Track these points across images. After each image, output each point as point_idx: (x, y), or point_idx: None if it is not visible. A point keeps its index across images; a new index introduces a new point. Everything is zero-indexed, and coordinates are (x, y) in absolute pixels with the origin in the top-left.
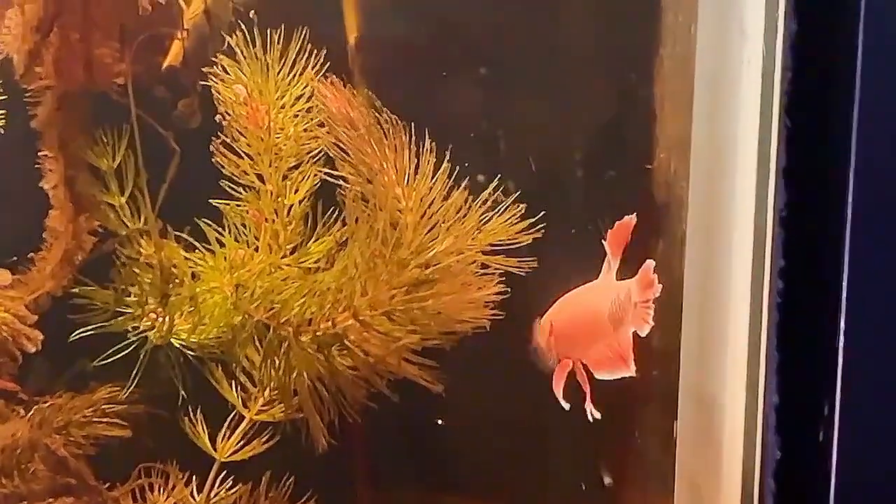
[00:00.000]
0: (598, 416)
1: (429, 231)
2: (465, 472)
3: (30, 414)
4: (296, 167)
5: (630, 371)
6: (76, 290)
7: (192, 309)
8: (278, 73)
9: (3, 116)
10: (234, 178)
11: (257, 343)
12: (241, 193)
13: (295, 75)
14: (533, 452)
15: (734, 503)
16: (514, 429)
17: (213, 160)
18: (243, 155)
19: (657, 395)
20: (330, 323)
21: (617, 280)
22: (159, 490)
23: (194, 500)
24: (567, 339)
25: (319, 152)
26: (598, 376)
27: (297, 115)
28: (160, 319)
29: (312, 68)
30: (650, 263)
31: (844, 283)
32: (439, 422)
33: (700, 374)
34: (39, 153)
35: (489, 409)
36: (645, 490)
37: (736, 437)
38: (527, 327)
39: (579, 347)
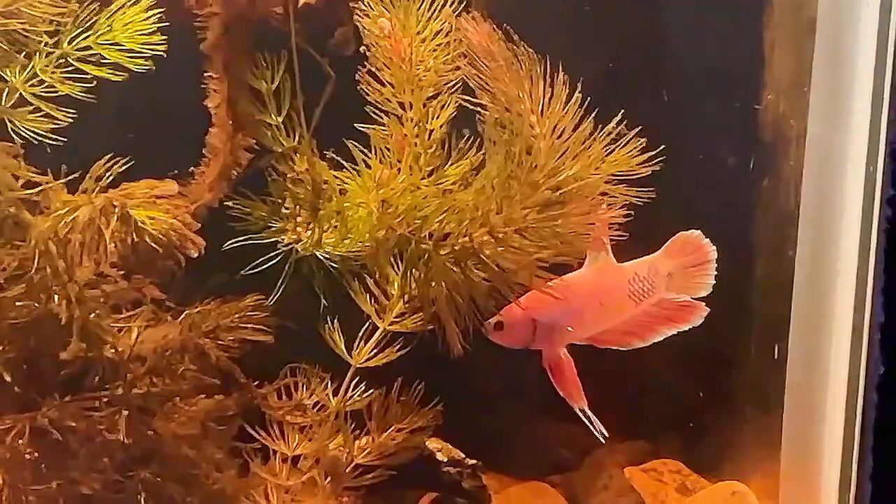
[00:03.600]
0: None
1: (559, 157)
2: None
3: (180, 318)
4: (434, 96)
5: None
6: (234, 202)
7: (337, 224)
8: (419, 8)
9: (165, 41)
10: (379, 104)
11: (396, 258)
12: (385, 119)
13: (434, 11)
14: (646, 369)
15: (839, 413)
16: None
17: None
18: (386, 83)
19: (767, 318)
20: (467, 238)
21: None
22: (303, 388)
23: (331, 402)
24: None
25: (457, 83)
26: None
27: (436, 49)
28: (308, 232)
29: (450, 6)
30: (680, 236)
31: None
32: (569, 329)
33: (811, 296)
34: (205, 74)
35: None
36: (754, 406)
37: (842, 354)
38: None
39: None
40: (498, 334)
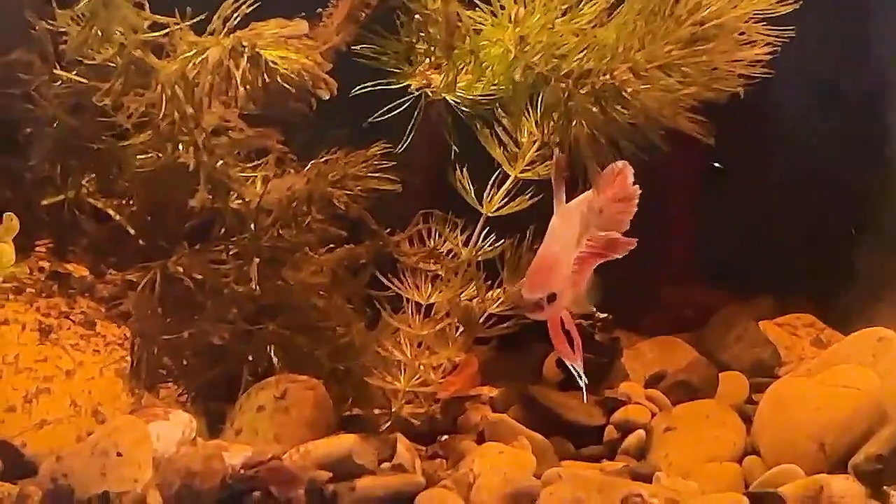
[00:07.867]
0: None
1: None
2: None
3: (306, 168)
4: None
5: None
6: (363, 45)
7: (471, 64)
8: None
9: None
10: None
11: (529, 103)
12: None
13: None
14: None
15: None
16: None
17: None
18: None
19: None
20: (608, 76)
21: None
22: (436, 235)
23: (462, 251)
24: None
25: None
26: None
27: None
28: (442, 75)
29: None
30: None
31: None
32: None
33: None
34: None
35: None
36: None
37: None
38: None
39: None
40: (549, 308)
